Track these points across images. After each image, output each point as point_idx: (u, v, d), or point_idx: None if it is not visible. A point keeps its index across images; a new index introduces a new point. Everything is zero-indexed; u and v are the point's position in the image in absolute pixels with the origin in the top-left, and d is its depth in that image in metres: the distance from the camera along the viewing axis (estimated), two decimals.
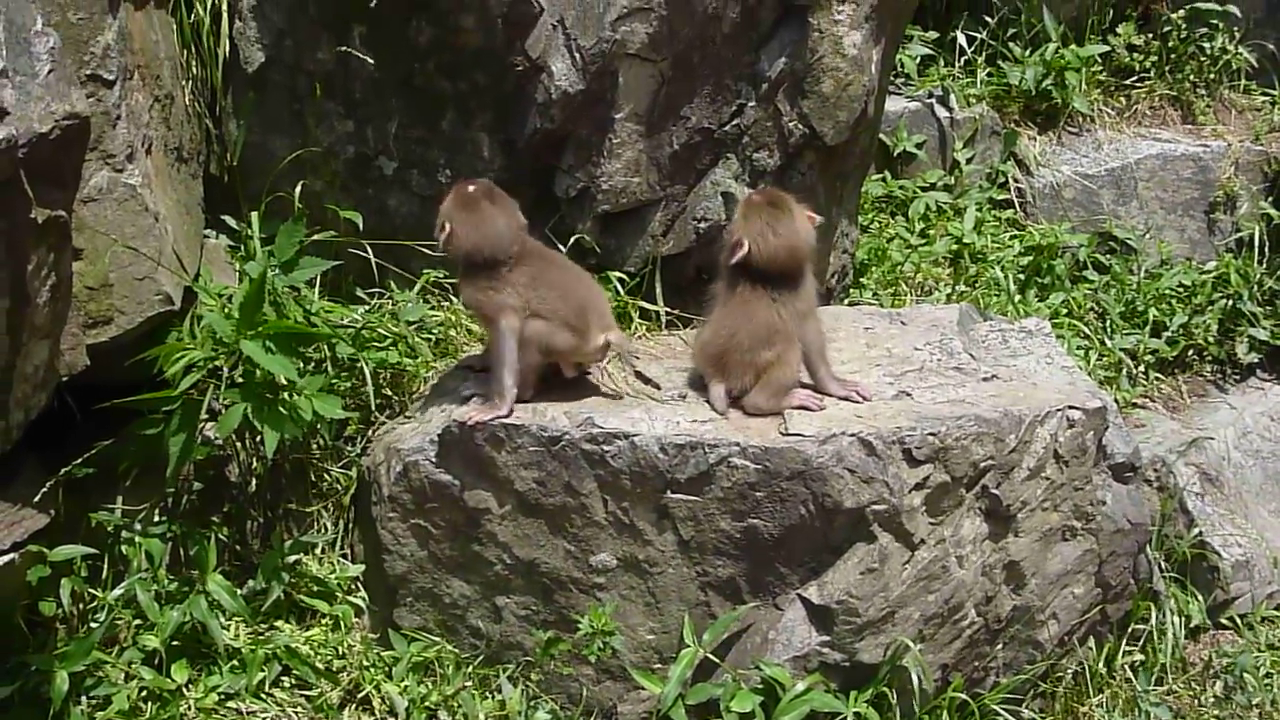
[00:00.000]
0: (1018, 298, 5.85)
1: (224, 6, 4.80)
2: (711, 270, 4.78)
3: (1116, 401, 5.57)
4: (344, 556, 4.47)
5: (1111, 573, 4.43)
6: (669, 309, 4.80)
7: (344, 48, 4.66)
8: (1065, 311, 6.06)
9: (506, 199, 4.16)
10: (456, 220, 4.08)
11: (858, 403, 4.20)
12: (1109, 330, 6.07)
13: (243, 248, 4.78)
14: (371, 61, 4.66)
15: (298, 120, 4.80)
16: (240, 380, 4.25)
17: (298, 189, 4.70)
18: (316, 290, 4.65)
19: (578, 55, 4.61)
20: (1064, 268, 6.27)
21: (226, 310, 4.37)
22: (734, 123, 4.86)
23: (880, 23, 5.00)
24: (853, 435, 4.03)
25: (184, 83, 4.84)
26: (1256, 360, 6.32)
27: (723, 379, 4.16)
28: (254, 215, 4.68)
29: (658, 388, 4.33)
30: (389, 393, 4.59)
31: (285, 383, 4.20)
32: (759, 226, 4.12)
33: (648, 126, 4.75)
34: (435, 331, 4.69)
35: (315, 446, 4.54)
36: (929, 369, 4.46)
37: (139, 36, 4.49)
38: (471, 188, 4.14)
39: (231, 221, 4.85)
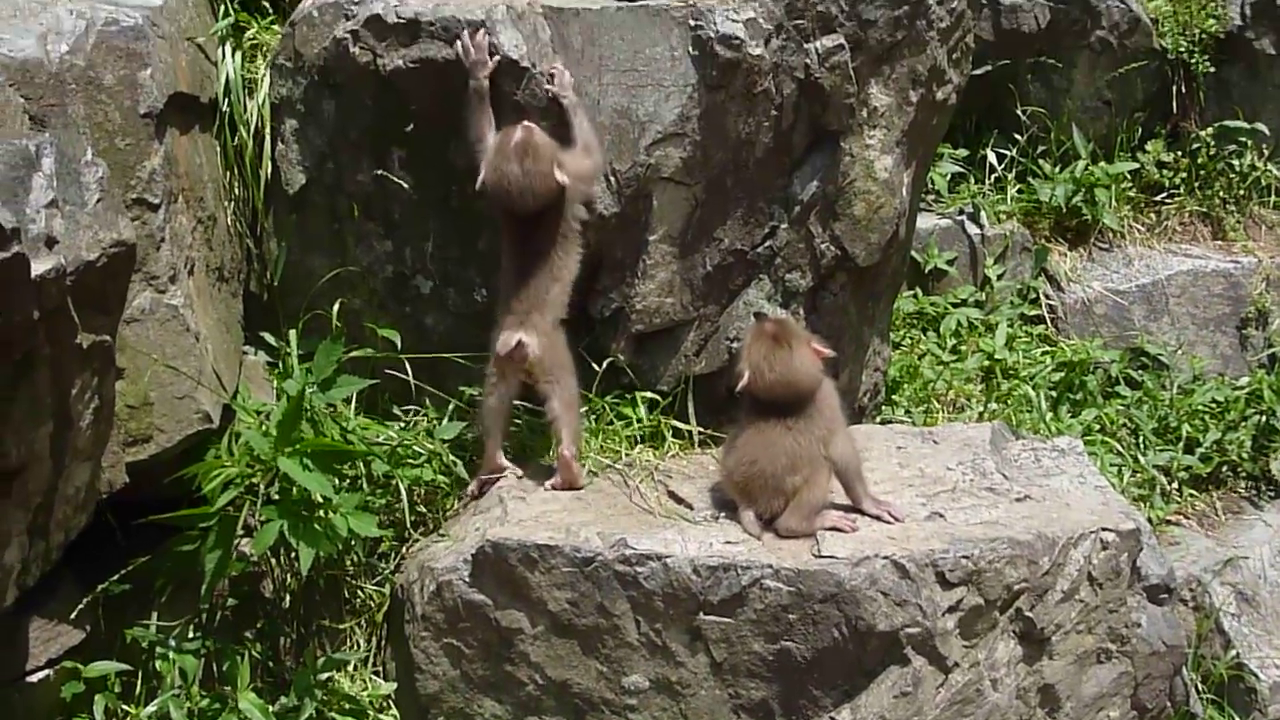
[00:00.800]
0: (1050, 415, 5.83)
1: (267, 130, 4.88)
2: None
3: (1150, 520, 5.54)
4: (376, 674, 4.47)
5: (1148, 695, 4.37)
6: (702, 428, 4.79)
7: (383, 170, 4.73)
8: (1098, 428, 6.03)
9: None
10: None
11: (890, 524, 4.20)
12: (1142, 447, 6.03)
13: (281, 364, 4.83)
14: (410, 184, 4.72)
15: (337, 240, 4.86)
16: (277, 497, 4.28)
17: (336, 307, 4.75)
18: (353, 407, 4.68)
19: (613, 179, 4.65)
20: (1096, 384, 6.26)
21: (264, 428, 4.42)
22: (766, 244, 4.88)
23: (911, 147, 5.04)
24: (886, 558, 4.02)
25: (226, 204, 4.92)
26: None
27: (751, 505, 4.18)
28: (293, 333, 4.72)
29: (690, 508, 4.34)
30: (423, 510, 4.62)
31: (321, 500, 4.24)
32: (757, 359, 4.18)
33: (681, 248, 4.78)
34: (470, 450, 4.70)
35: (349, 563, 4.56)
36: (961, 489, 4.45)
37: (184, 160, 4.59)
38: None
39: (270, 338, 4.89)
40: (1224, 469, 6.17)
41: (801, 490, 4.14)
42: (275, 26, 5.14)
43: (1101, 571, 4.21)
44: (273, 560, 4.51)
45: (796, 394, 4.19)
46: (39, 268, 3.31)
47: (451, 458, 4.65)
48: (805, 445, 4.17)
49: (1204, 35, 7.00)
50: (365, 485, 4.53)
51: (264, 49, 5.06)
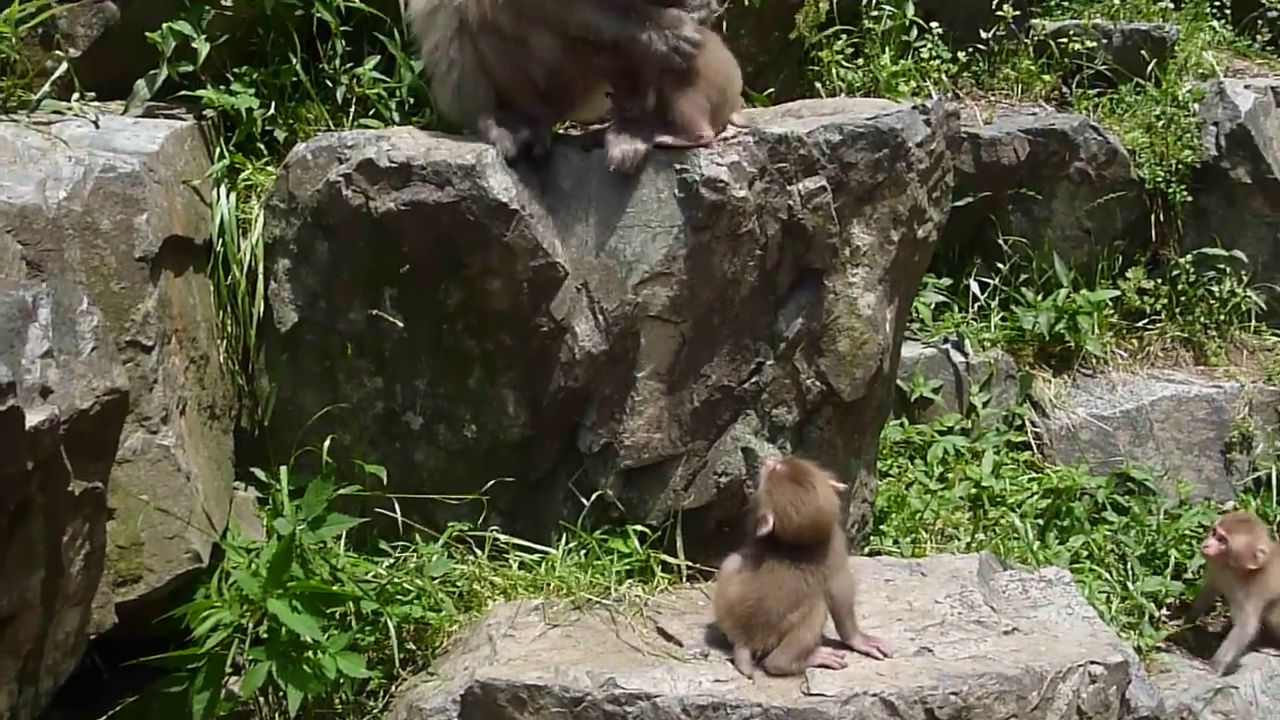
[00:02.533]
0: (1037, 543, 5.80)
1: (260, 269, 4.94)
2: (732, 524, 4.83)
3: (1138, 648, 5.51)
4: None
5: None
6: (690, 562, 4.80)
7: (375, 310, 4.77)
8: (1086, 555, 6.00)
9: None
10: None
11: (879, 659, 4.17)
12: (1130, 574, 6.00)
13: (271, 501, 4.83)
14: (401, 323, 4.76)
15: (328, 377, 4.89)
16: (266, 637, 4.27)
17: (326, 443, 4.77)
18: (342, 544, 4.68)
19: (601, 317, 4.72)
20: (1083, 510, 6.23)
21: (254, 567, 4.42)
22: (753, 380, 4.91)
23: (894, 283, 5.08)
24: (875, 695, 3.99)
25: (219, 342, 4.96)
26: None
27: (747, 642, 4.14)
28: (283, 469, 4.73)
29: (680, 644, 4.31)
30: (412, 647, 4.58)
31: (310, 641, 4.22)
32: (783, 503, 4.15)
33: (669, 384, 4.82)
34: (459, 585, 4.69)
35: (338, 701, 4.51)
36: (950, 623, 4.43)
37: (178, 301, 4.64)
38: None
39: (261, 475, 4.92)
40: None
41: (796, 629, 4.12)
42: (270, 168, 5.21)
43: (1091, 705, 4.18)
44: (261, 700, 4.46)
45: (823, 532, 4.18)
46: (33, 418, 3.32)
47: (441, 595, 4.63)
48: (812, 585, 4.15)
49: (1180, 165, 7.09)
50: (354, 623, 4.52)
51: (258, 190, 5.13)
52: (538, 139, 4.78)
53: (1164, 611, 5.98)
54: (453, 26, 4.83)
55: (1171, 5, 7.94)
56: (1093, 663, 4.22)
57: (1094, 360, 6.84)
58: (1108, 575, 5.93)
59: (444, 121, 5.24)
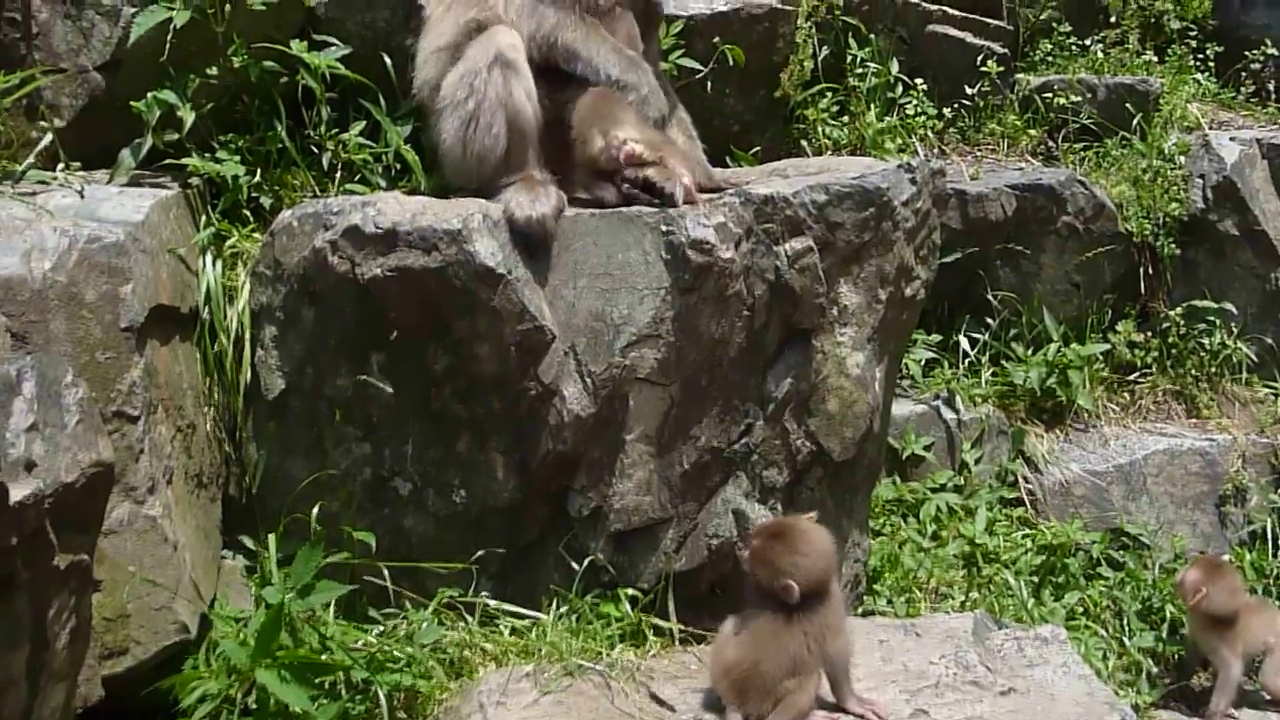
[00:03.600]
0: (1032, 601, 5.83)
1: (247, 337, 4.95)
2: (724, 586, 4.83)
3: (1135, 706, 5.52)
4: None
5: None
6: (683, 625, 4.79)
7: (363, 376, 4.78)
8: (1081, 611, 6.03)
9: None
10: None
11: None
12: (1127, 630, 6.02)
13: (259, 569, 4.83)
14: (389, 389, 4.77)
15: (316, 444, 4.89)
16: (255, 707, 4.26)
17: (315, 510, 4.77)
18: (332, 612, 4.66)
19: (589, 380, 4.73)
20: (1078, 566, 6.26)
21: (242, 637, 4.40)
22: (743, 441, 4.92)
23: (882, 342, 5.11)
24: None
25: (206, 410, 4.97)
26: None
27: (741, 706, 4.12)
28: (271, 537, 4.74)
29: (673, 710, 4.30)
30: (404, 715, 4.53)
31: (299, 711, 4.21)
32: (794, 562, 4.14)
33: (658, 447, 4.83)
34: (450, 652, 4.67)
35: None
36: (945, 684, 4.42)
37: (164, 370, 4.65)
38: None
39: (249, 542, 4.91)
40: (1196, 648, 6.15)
41: (793, 693, 4.10)
42: (256, 235, 5.23)
43: None
44: None
45: (830, 575, 4.19)
46: (18, 493, 3.32)
47: (431, 662, 4.60)
48: (813, 649, 4.13)
49: (1168, 218, 7.15)
50: (344, 692, 4.47)
51: (244, 257, 5.15)
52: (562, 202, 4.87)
53: (1161, 668, 5.98)
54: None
55: (1155, 59, 8.03)
56: None
57: (1086, 415, 6.87)
58: (1104, 632, 5.96)
59: (438, 187, 5.30)
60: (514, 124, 4.87)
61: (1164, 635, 6.05)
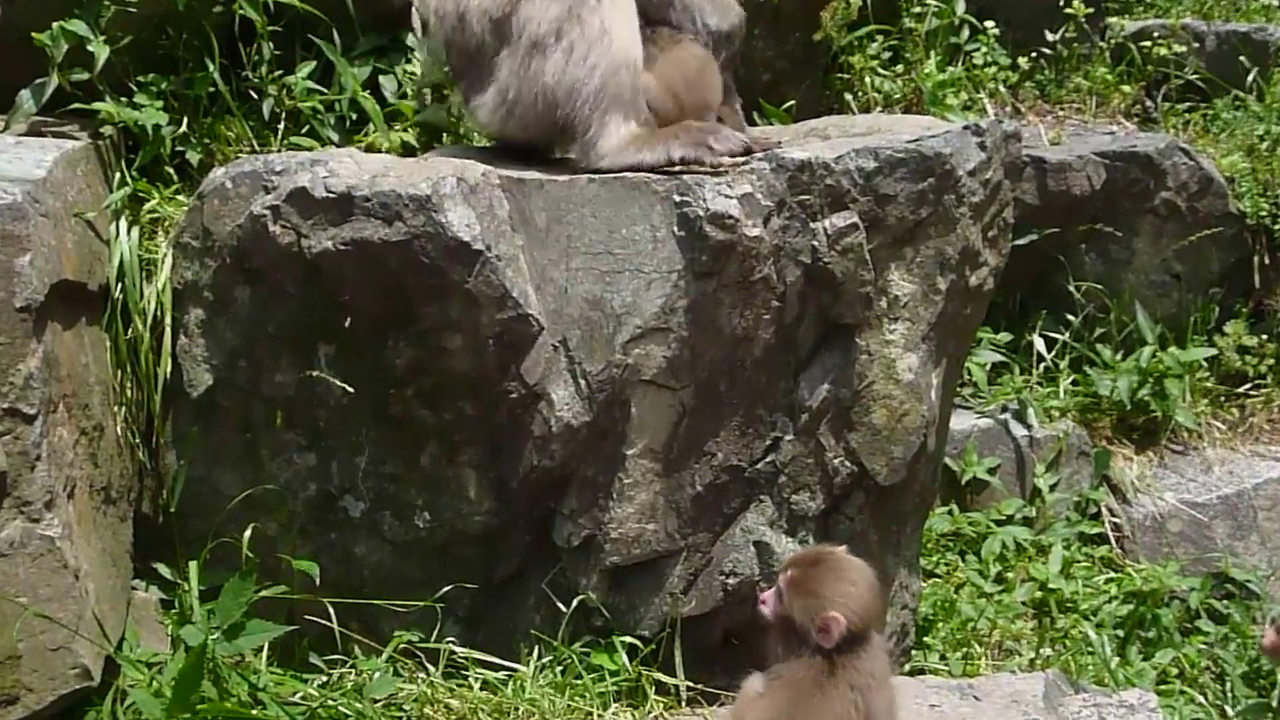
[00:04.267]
0: (1116, 660, 5.84)
1: (167, 321, 4.96)
2: (742, 635, 4.85)
3: None
4: None
5: None
6: (691, 682, 4.83)
7: (309, 371, 4.81)
8: (1176, 673, 6.05)
9: None
10: None
11: None
12: (1230, 696, 6.03)
13: (178, 604, 4.86)
14: (341, 388, 4.79)
15: (250, 453, 4.91)
16: None
17: (247, 534, 4.79)
18: (265, 658, 4.69)
19: (583, 382, 4.76)
20: (1172, 618, 6.27)
21: (156, 686, 4.43)
22: (768, 460, 4.95)
23: (940, 341, 5.13)
24: None
25: (116, 409, 4.99)
26: None
27: None
28: (193, 565, 4.76)
29: None
30: None
31: None
32: (842, 592, 4.16)
33: (665, 464, 4.86)
34: (408, 709, 4.69)
35: None
36: None
37: (67, 360, 4.66)
38: None
39: (166, 571, 4.94)
40: None
41: None
42: (181, 198, 5.29)
43: None
44: None
45: (877, 615, 4.22)
46: None
47: None
48: (852, 703, 4.14)
49: None
50: None
51: (166, 225, 5.20)
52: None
53: None
54: None
55: (1276, 3, 8.05)
56: None
57: (1185, 434, 6.91)
58: (1203, 698, 5.96)
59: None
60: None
61: (1275, 702, 6.05)
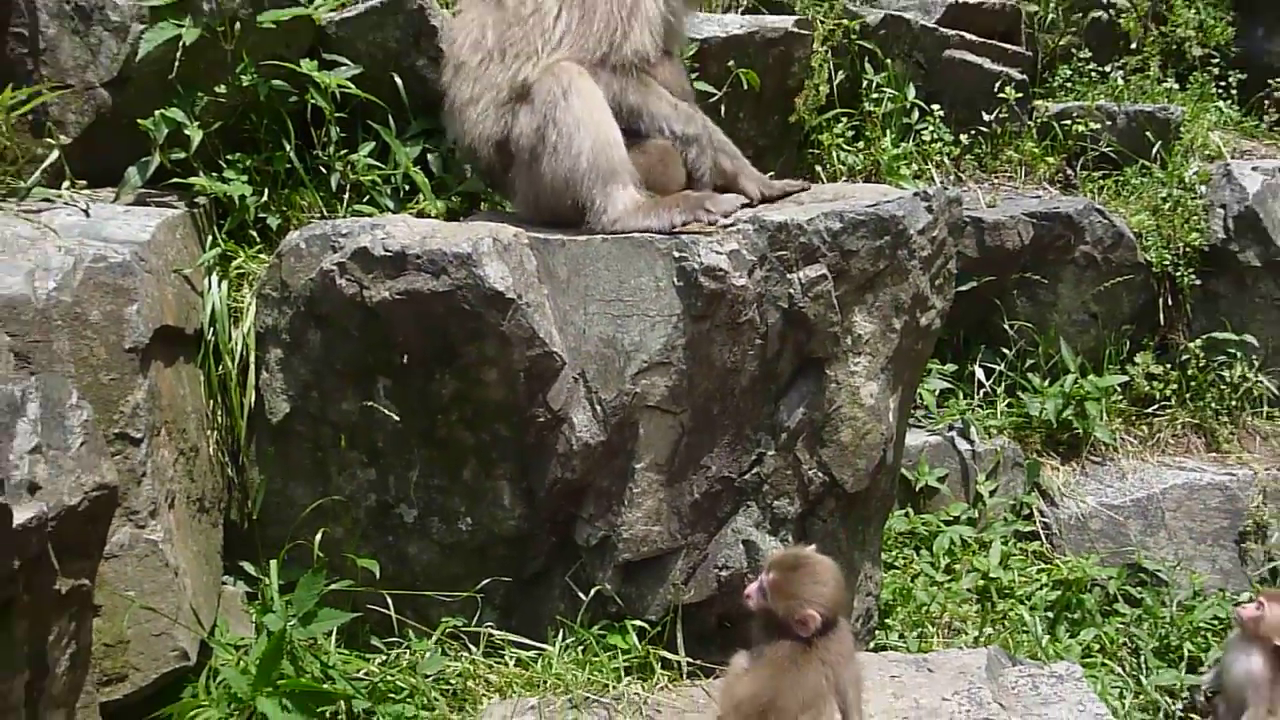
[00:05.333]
0: (1047, 637, 5.81)
1: (251, 359, 4.97)
2: (734, 619, 4.82)
3: None
4: None
5: None
6: (691, 659, 4.80)
7: (368, 400, 4.80)
8: (1098, 648, 6.01)
9: None
10: None
11: None
12: (1144, 667, 6.00)
13: (260, 596, 4.84)
14: (395, 414, 4.78)
15: (320, 469, 4.91)
16: None
17: (318, 537, 4.79)
18: (334, 640, 4.68)
19: (598, 407, 4.75)
20: (1094, 602, 6.24)
21: (243, 665, 4.42)
22: (754, 471, 4.93)
23: (897, 371, 5.11)
24: None
25: (209, 433, 4.99)
26: None
27: None
28: (273, 564, 4.75)
29: None
30: None
31: None
32: (816, 592, 4.16)
33: (668, 476, 4.84)
34: (453, 683, 4.68)
35: None
36: None
37: (167, 392, 4.67)
38: None
39: (250, 568, 4.93)
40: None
41: None
42: (262, 256, 5.26)
43: None
44: None
45: (844, 605, 4.23)
46: (20, 516, 3.34)
47: (434, 693, 4.62)
48: (830, 680, 4.13)
49: (1188, 248, 7.16)
50: None
51: (250, 278, 5.18)
52: None
53: (1179, 706, 5.95)
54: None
55: (1176, 86, 8.06)
56: None
57: (1103, 447, 6.86)
58: (1120, 670, 5.94)
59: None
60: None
61: (1182, 673, 6.02)
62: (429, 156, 5.70)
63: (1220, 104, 8.08)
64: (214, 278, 5.12)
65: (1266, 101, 8.13)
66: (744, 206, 5.01)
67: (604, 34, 4.86)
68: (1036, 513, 6.62)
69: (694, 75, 6.16)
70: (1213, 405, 7.09)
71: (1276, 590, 5.92)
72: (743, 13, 6.81)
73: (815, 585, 4.16)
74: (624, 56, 4.89)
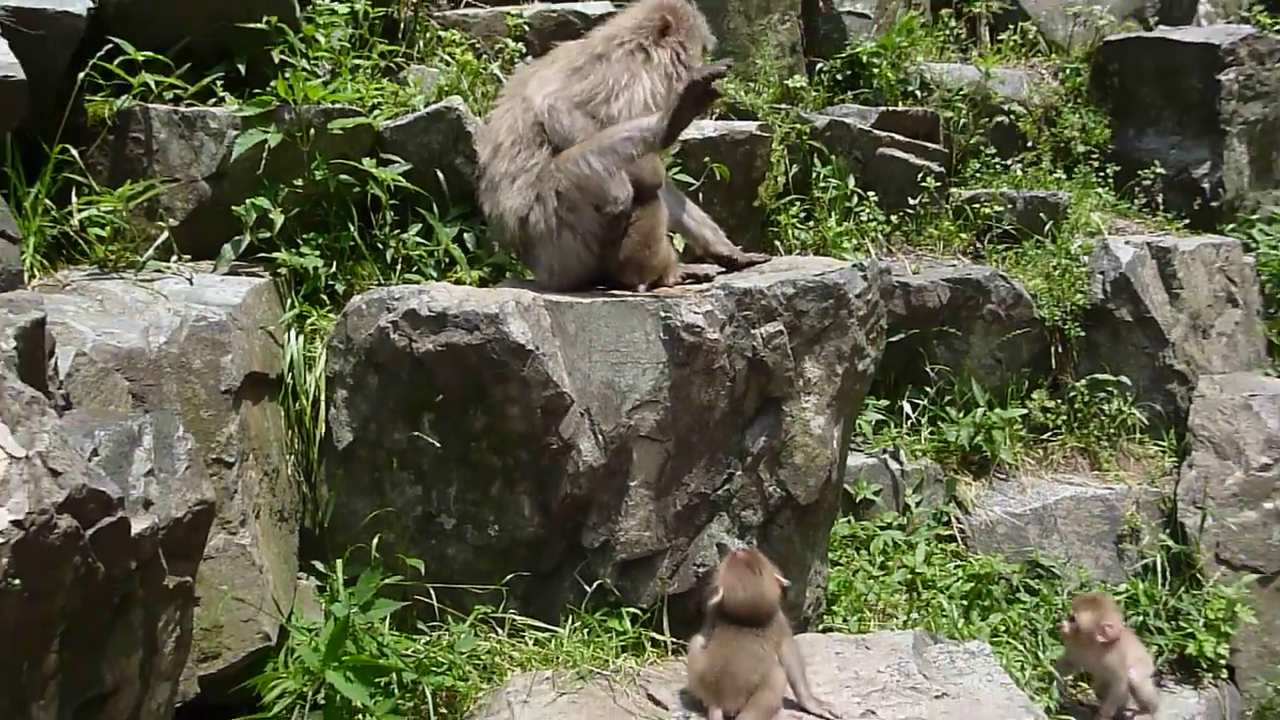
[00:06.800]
0: (962, 621, 5.81)
1: (322, 398, 4.99)
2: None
3: (1048, 709, 5.50)
4: None
5: None
6: (675, 639, 4.79)
7: (415, 431, 4.81)
8: (1003, 629, 5.99)
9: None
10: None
11: None
12: (1040, 646, 5.99)
13: (329, 589, 4.84)
14: (437, 442, 4.79)
15: (376, 486, 4.91)
16: (323, 702, 4.27)
17: (374, 541, 4.79)
18: (387, 624, 4.68)
19: (600, 437, 4.75)
20: (1000, 592, 6.22)
21: (314, 644, 4.43)
22: (725, 488, 4.93)
23: (839, 408, 5.13)
24: None
25: (288, 457, 5.01)
26: (1165, 668, 6.20)
27: (719, 704, 4.14)
28: (339, 563, 4.76)
29: (666, 708, 4.31)
30: (445, 711, 4.53)
31: (360, 705, 4.22)
32: (732, 581, 4.20)
33: (656, 491, 4.84)
34: (484, 659, 4.68)
35: None
36: (890, 689, 4.43)
37: (254, 425, 4.70)
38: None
39: (320, 567, 4.93)
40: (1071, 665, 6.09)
41: (759, 690, 4.12)
42: (331, 316, 5.29)
43: None
44: None
45: (761, 612, 4.20)
46: (137, 526, 3.36)
47: (468, 667, 4.62)
48: (768, 650, 4.17)
49: (1074, 307, 7.15)
50: (396, 690, 4.48)
51: (321, 334, 5.21)
52: None
53: (1069, 677, 5.96)
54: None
55: (1064, 176, 8.08)
56: None
57: (1007, 467, 6.83)
58: (1021, 647, 5.92)
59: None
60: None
61: (1059, 671, 5.98)
62: (465, 235, 5.73)
63: (1099, 190, 8.09)
64: (292, 333, 5.17)
65: (1136, 189, 8.15)
66: (720, 272, 5.03)
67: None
68: (954, 520, 6.59)
69: (677, 169, 6.22)
70: (1095, 433, 7.07)
71: (1083, 596, 5.96)
72: (716, 119, 6.84)
73: (757, 582, 4.21)
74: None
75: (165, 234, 5.24)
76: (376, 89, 5.85)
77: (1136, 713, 5.72)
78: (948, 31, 8.68)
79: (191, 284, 4.95)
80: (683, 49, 4.99)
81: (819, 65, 7.87)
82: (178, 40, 5.43)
